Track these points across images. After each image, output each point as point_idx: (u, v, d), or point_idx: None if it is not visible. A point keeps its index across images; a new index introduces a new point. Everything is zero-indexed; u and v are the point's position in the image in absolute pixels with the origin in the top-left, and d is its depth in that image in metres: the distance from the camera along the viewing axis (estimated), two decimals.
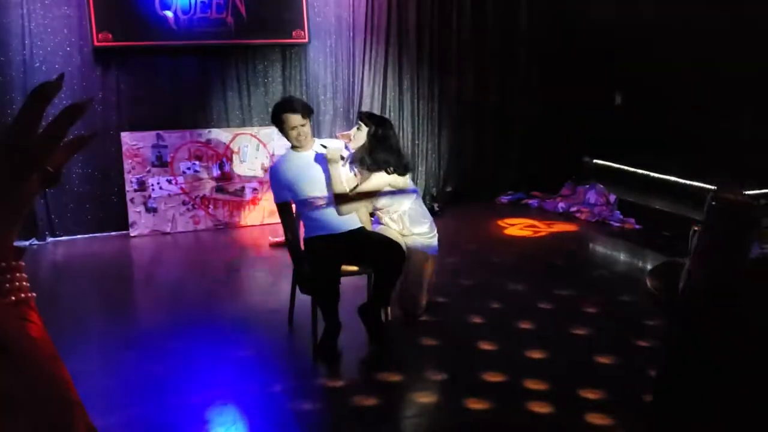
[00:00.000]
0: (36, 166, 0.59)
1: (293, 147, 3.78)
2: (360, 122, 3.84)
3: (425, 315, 4.12)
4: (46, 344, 0.56)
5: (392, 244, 3.68)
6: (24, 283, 0.58)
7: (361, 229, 3.82)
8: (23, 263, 0.59)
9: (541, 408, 3.04)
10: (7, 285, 0.57)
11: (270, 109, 6.77)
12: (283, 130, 3.73)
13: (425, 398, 3.24)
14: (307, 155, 3.77)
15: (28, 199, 0.59)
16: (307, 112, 3.72)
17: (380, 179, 3.80)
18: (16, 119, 0.58)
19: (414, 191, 3.99)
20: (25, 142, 0.58)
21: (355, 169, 3.87)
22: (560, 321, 4.06)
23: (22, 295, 0.58)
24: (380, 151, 3.76)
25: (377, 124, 3.81)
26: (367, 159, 3.77)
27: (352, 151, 3.84)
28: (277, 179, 3.78)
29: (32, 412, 0.50)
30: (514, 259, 5.43)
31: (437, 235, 4.07)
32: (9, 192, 0.58)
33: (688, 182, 6.21)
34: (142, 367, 3.57)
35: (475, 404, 3.09)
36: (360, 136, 3.79)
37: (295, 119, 3.66)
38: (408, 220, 3.94)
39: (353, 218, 3.81)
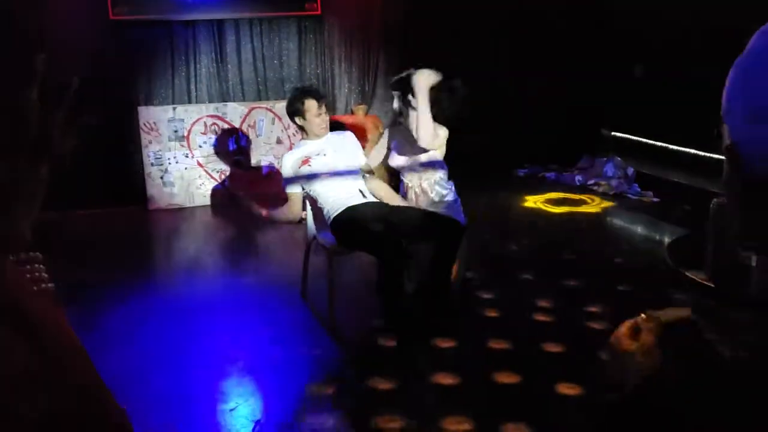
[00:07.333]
0: (45, 154, 0.59)
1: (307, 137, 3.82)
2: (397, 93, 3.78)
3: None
4: (70, 331, 0.56)
5: (448, 219, 3.59)
6: (44, 274, 0.59)
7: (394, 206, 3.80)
8: (40, 254, 0.60)
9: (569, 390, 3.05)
10: (28, 275, 0.58)
11: (285, 82, 6.82)
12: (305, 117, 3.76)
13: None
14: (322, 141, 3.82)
15: (40, 189, 0.59)
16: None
17: (444, 133, 3.76)
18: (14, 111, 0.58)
19: (444, 165, 3.94)
20: (31, 130, 0.58)
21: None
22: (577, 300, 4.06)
23: (43, 285, 0.59)
24: (446, 98, 3.74)
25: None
26: (445, 104, 3.73)
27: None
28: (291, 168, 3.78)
29: (54, 393, 0.51)
30: (531, 232, 5.42)
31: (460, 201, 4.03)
32: (23, 184, 0.58)
33: (707, 154, 6.13)
34: (160, 340, 3.63)
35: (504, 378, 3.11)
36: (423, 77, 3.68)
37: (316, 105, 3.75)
38: (438, 188, 3.88)
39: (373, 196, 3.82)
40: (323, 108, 3.75)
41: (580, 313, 3.77)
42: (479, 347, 3.43)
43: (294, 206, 3.79)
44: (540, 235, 5.39)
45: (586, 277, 4.34)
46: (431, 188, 3.85)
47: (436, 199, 3.84)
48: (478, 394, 3.03)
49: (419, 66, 3.72)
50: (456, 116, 3.77)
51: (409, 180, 3.88)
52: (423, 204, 3.83)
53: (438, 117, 3.69)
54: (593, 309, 3.82)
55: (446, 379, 3.12)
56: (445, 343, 3.46)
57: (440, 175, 3.87)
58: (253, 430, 2.77)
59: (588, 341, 3.44)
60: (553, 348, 3.38)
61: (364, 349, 3.51)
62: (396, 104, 3.79)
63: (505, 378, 3.10)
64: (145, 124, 6.26)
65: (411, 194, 3.89)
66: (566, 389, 2.98)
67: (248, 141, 6.54)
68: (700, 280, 4.00)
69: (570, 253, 4.87)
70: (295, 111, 3.77)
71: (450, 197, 3.86)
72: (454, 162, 3.96)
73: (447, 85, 3.73)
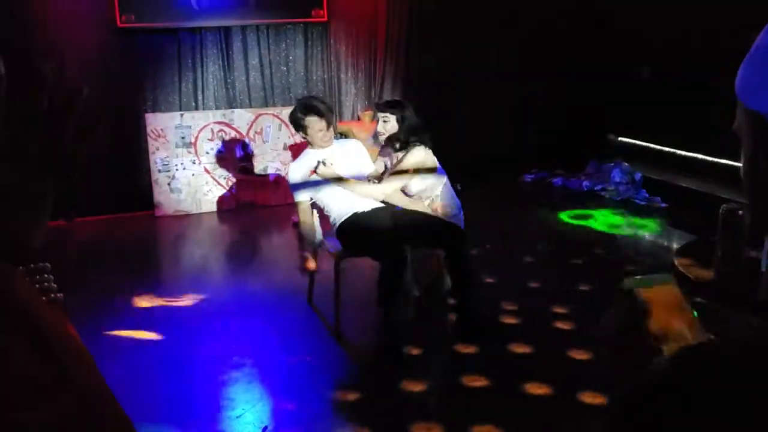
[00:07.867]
0: (55, 161, 0.59)
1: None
2: (385, 113, 3.81)
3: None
4: (78, 341, 0.56)
5: (451, 228, 3.62)
6: (53, 284, 0.59)
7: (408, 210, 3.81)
8: (49, 264, 0.60)
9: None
10: (37, 285, 0.58)
11: (292, 89, 6.84)
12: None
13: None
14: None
15: (50, 198, 0.59)
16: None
17: (419, 154, 3.77)
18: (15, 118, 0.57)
19: (443, 172, 3.94)
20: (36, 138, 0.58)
21: (388, 160, 3.91)
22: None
23: (52, 295, 0.59)
24: (414, 131, 3.78)
25: (401, 108, 3.82)
26: (404, 140, 3.78)
27: (383, 143, 3.85)
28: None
29: (61, 402, 0.50)
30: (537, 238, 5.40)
31: (462, 213, 4.04)
32: (32, 192, 0.58)
33: (716, 160, 6.10)
34: (166, 346, 3.63)
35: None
36: (390, 126, 3.78)
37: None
38: (440, 204, 3.89)
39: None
40: (325, 124, 3.75)
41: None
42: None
43: (304, 215, 3.80)
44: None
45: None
46: (433, 203, 3.89)
47: (444, 212, 3.86)
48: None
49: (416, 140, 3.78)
50: (427, 139, 3.84)
51: (414, 192, 3.91)
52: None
53: (416, 142, 3.77)
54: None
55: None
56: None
57: (440, 189, 3.87)
58: None
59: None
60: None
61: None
62: (380, 126, 3.82)
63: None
64: (152, 131, 6.28)
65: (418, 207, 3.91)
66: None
67: (255, 147, 6.55)
68: (707, 284, 3.97)
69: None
70: (296, 126, 3.83)
71: (453, 210, 3.88)
72: (459, 169, 3.97)
73: (407, 117, 3.79)
